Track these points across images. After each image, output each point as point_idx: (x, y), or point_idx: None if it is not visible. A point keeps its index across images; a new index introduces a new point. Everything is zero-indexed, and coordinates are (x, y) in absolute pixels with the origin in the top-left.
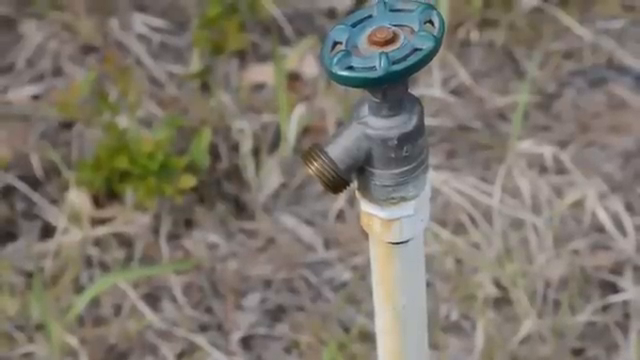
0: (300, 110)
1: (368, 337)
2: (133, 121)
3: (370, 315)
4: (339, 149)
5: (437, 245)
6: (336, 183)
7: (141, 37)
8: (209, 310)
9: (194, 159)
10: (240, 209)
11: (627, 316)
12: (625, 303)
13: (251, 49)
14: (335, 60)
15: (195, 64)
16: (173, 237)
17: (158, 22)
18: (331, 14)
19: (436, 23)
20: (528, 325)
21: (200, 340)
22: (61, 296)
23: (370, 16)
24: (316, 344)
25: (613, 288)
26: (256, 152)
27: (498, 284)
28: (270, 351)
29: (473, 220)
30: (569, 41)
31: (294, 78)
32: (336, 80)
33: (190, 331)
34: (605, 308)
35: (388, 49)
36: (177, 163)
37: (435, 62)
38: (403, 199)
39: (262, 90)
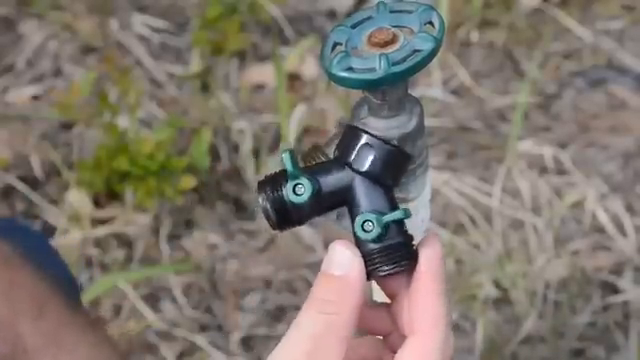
0: (300, 110)
1: None
2: (133, 122)
3: None
4: None
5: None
6: None
7: (141, 37)
8: (209, 310)
9: (194, 159)
10: (240, 209)
11: (627, 316)
12: (625, 304)
13: (251, 49)
14: (335, 61)
15: (195, 64)
16: (173, 237)
17: (158, 22)
18: (331, 15)
19: (436, 24)
20: (528, 325)
21: (200, 340)
22: None
23: (370, 17)
24: None
25: (613, 289)
26: (256, 152)
27: (498, 284)
28: (270, 351)
29: (473, 220)
30: (569, 41)
31: (294, 78)
32: (336, 81)
33: (190, 331)
34: (605, 308)
35: (388, 50)
36: (177, 163)
37: (435, 62)
38: (403, 200)
39: (262, 90)
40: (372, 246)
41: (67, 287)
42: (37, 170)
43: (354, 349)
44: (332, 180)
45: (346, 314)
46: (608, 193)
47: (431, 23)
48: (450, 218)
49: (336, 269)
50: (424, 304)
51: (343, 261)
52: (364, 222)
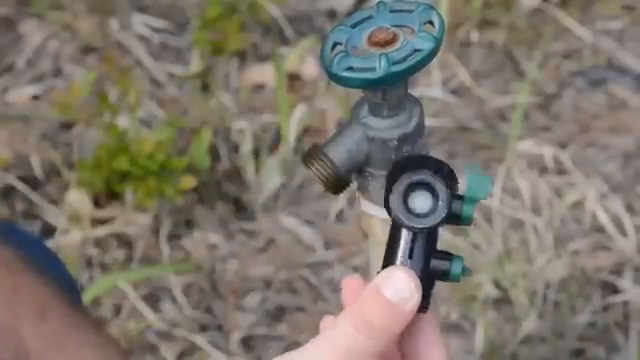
0: (300, 110)
1: None
2: (133, 121)
3: None
4: (339, 149)
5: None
6: (336, 184)
7: (141, 37)
8: (209, 310)
9: (194, 159)
10: (240, 209)
11: (627, 316)
12: (625, 303)
13: (251, 49)
14: (335, 61)
15: (195, 64)
16: (173, 237)
17: (158, 22)
18: (331, 15)
19: (436, 23)
20: (528, 325)
21: (200, 340)
22: None
23: (370, 17)
24: None
25: (613, 289)
26: (256, 152)
27: (498, 284)
28: (270, 351)
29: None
30: (569, 41)
31: (294, 78)
32: (336, 81)
33: (190, 331)
34: (605, 308)
35: (388, 50)
36: (177, 163)
37: (435, 62)
38: None
39: (262, 90)
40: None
41: (68, 289)
42: (37, 170)
43: None
44: None
45: (386, 342)
46: (608, 193)
47: (431, 22)
48: None
49: (394, 295)
50: (431, 335)
51: (404, 291)
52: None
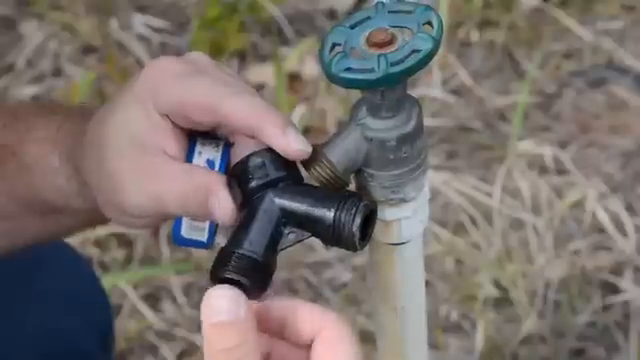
0: (300, 110)
1: (368, 337)
2: None
3: (370, 315)
4: (338, 150)
5: (437, 245)
6: (335, 184)
7: (141, 37)
8: None
9: None
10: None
11: (627, 316)
12: (625, 303)
13: (251, 49)
14: (334, 62)
15: None
16: None
17: (158, 22)
18: (331, 15)
19: (434, 24)
20: (528, 325)
21: (200, 340)
22: None
23: (369, 17)
24: None
25: (613, 288)
26: None
27: (498, 284)
28: None
29: (473, 220)
30: (569, 41)
31: (294, 78)
32: (335, 81)
33: (190, 331)
34: (605, 308)
35: (387, 51)
36: None
37: (435, 62)
38: (402, 200)
39: (262, 90)
40: None
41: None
42: None
43: None
44: None
45: (253, 351)
46: (608, 193)
47: (429, 23)
48: (450, 218)
49: (225, 315)
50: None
51: (229, 305)
52: None
